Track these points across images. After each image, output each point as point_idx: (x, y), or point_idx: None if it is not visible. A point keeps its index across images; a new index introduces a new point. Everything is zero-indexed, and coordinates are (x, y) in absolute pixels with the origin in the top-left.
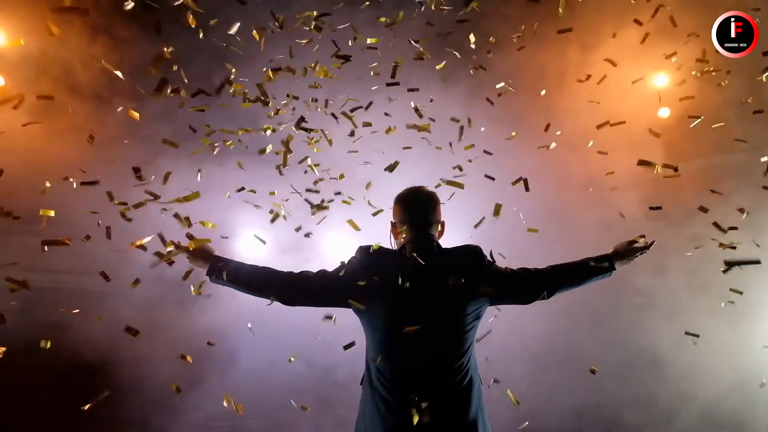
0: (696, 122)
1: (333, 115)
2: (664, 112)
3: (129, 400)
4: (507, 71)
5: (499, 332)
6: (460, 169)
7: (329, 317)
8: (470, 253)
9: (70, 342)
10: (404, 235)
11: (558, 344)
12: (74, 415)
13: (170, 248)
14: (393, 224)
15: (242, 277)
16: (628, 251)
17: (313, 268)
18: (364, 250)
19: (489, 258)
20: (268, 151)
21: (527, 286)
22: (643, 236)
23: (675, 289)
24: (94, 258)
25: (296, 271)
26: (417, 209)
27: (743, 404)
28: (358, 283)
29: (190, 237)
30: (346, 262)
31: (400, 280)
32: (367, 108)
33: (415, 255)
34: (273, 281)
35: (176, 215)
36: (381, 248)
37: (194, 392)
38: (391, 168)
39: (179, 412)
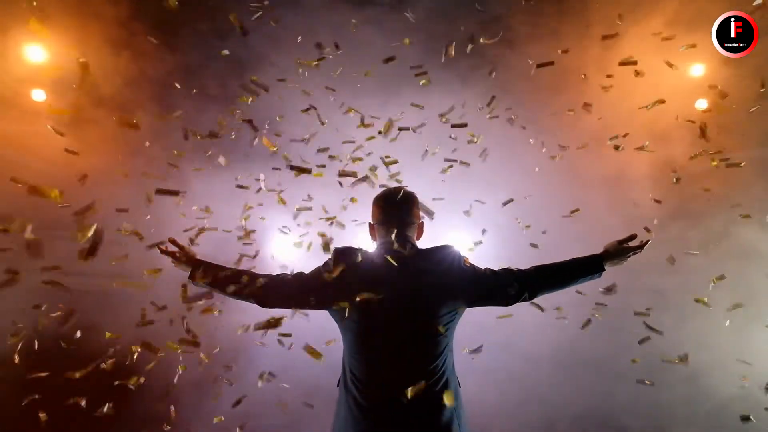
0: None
1: None
2: (702, 104)
3: (152, 399)
4: (527, 71)
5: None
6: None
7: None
8: (446, 254)
9: (99, 343)
10: (380, 236)
11: (560, 343)
12: (99, 413)
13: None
14: (371, 225)
15: (220, 280)
16: (619, 251)
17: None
18: (339, 252)
19: (466, 258)
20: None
21: (507, 287)
22: (634, 235)
23: (695, 289)
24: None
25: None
26: (393, 210)
27: (754, 408)
28: (331, 285)
29: (173, 242)
30: (322, 264)
31: (371, 281)
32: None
33: (387, 256)
34: (249, 283)
35: None
36: (356, 249)
37: (216, 392)
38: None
39: (199, 412)
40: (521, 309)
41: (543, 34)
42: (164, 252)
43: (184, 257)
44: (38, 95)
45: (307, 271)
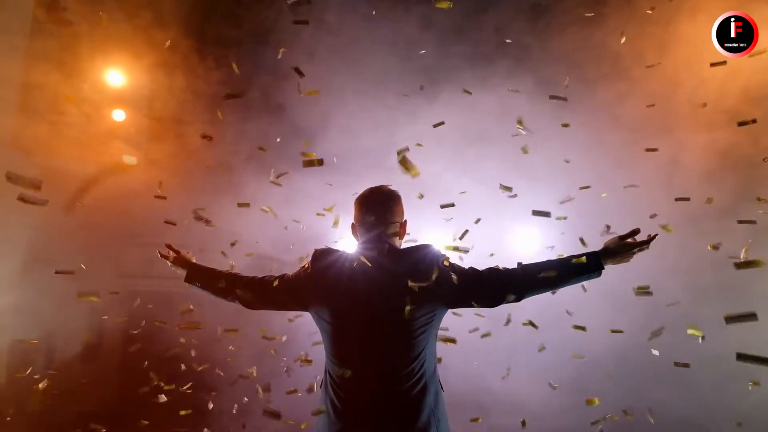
0: None
1: None
2: None
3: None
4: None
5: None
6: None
7: None
8: (424, 254)
9: (164, 341)
10: (360, 237)
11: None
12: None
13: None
14: (353, 225)
15: (211, 283)
16: (621, 247)
17: None
18: (317, 253)
19: (447, 258)
20: None
21: (491, 287)
22: (637, 230)
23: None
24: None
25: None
26: (372, 210)
27: None
28: (310, 287)
29: (170, 247)
30: (302, 267)
31: (346, 283)
32: None
33: (362, 257)
34: (235, 286)
35: None
36: (333, 251)
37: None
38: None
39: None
40: (579, 311)
41: (585, 19)
42: (163, 256)
43: (180, 261)
44: (118, 115)
45: (290, 273)
